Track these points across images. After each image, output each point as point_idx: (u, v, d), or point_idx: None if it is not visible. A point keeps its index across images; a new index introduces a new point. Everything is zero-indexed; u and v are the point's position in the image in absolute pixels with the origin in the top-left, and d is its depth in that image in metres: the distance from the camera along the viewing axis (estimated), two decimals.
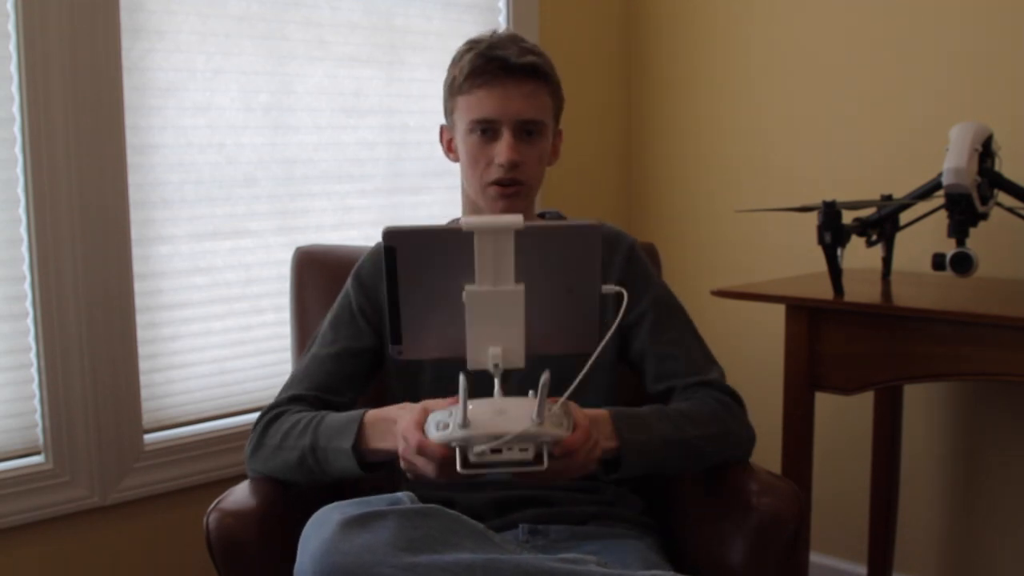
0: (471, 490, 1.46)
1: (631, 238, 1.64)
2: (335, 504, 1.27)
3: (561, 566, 1.19)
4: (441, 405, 1.30)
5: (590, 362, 1.24)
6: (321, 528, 1.21)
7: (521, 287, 1.20)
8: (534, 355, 1.25)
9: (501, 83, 1.50)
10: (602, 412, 1.38)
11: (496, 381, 1.24)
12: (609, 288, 1.29)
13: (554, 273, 1.22)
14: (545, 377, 1.20)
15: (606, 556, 1.32)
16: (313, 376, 1.55)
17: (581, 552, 1.31)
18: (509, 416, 1.20)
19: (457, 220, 1.66)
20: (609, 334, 1.27)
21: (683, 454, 1.44)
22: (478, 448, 1.20)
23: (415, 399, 1.51)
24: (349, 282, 1.61)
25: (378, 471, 1.41)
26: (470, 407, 1.20)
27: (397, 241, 1.20)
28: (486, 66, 1.50)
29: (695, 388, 1.52)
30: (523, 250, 1.19)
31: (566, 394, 1.25)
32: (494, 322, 1.21)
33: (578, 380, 1.24)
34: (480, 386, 1.24)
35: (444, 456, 1.23)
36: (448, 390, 1.52)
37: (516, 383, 1.28)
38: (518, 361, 1.24)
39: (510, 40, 1.53)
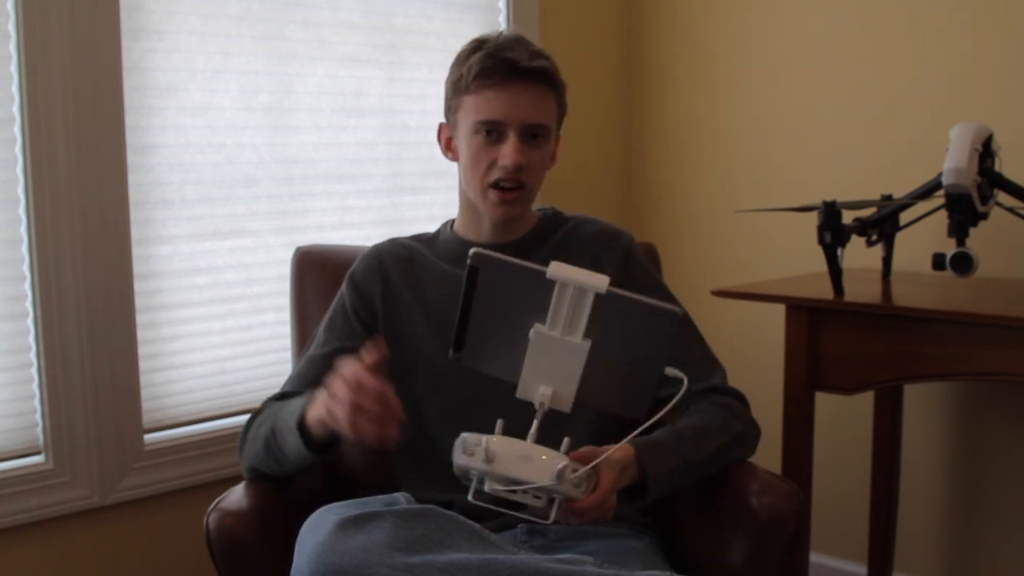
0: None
1: (629, 236, 1.64)
2: (332, 505, 1.27)
3: (557, 566, 1.19)
4: (350, 365, 1.26)
5: (633, 434, 1.30)
6: (318, 529, 1.21)
7: (588, 343, 1.23)
8: (579, 405, 1.28)
9: (510, 85, 1.48)
10: (629, 452, 1.38)
11: (536, 421, 1.27)
12: (673, 372, 1.29)
13: (623, 341, 1.25)
14: (566, 443, 1.25)
15: (605, 556, 1.32)
16: (305, 376, 1.55)
17: (580, 552, 1.31)
18: (532, 466, 1.22)
19: (452, 221, 1.66)
20: (659, 415, 1.29)
21: (701, 471, 1.47)
22: (492, 487, 1.22)
23: (409, 402, 1.51)
24: (344, 284, 1.63)
25: (326, 454, 1.39)
26: (496, 442, 1.23)
27: (482, 264, 1.23)
28: (496, 67, 1.48)
29: (701, 395, 1.53)
30: (599, 310, 1.22)
31: (598, 459, 1.29)
32: (553, 365, 1.25)
33: (614, 448, 1.31)
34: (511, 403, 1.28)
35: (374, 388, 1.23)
36: (439, 390, 1.52)
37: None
38: (565, 406, 1.27)
39: (517, 42, 1.51)
